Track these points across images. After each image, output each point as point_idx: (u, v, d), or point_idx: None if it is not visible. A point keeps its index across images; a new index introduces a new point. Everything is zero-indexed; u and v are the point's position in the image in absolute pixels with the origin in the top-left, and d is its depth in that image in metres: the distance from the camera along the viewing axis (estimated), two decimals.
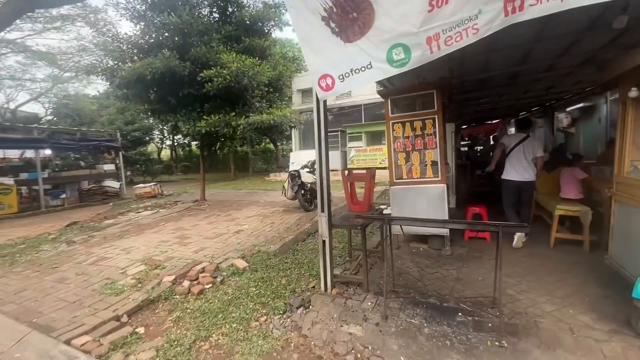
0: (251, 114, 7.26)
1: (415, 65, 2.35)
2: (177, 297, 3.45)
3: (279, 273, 3.95)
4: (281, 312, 3.08)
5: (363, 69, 2.51)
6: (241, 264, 4.12)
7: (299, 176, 6.97)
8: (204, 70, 6.43)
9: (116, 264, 4.35)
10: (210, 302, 3.30)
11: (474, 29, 2.11)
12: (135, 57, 7.22)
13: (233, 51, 6.92)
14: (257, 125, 6.97)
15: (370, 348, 2.44)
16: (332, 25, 2.50)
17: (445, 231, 4.28)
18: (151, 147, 30.73)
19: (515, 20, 2.03)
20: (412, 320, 2.72)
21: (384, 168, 13.95)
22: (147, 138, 26.42)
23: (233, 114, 7.01)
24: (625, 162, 2.60)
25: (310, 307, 3.10)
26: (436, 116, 4.22)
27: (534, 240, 4.49)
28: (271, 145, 25.91)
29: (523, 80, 5.82)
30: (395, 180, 4.55)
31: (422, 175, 4.37)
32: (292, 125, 8.09)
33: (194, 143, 24.13)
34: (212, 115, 6.91)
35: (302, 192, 7.00)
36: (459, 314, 2.78)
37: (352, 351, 2.44)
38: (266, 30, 7.88)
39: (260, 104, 7.65)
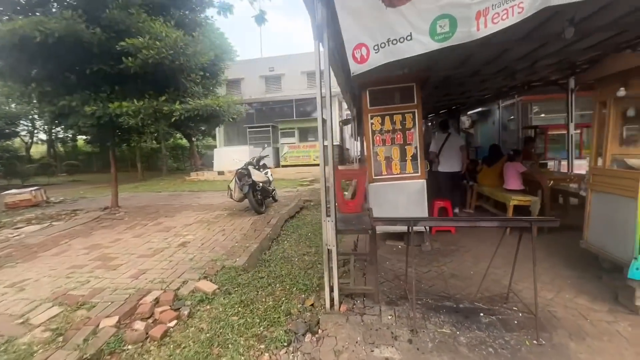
0: (189, 100, 6.05)
1: (458, 41, 2.08)
2: (130, 347, 2.46)
3: (259, 292, 3.25)
4: (285, 343, 2.47)
5: (402, 39, 2.13)
6: (208, 286, 3.26)
7: (249, 174, 6.14)
8: (126, 40, 4.97)
9: (6, 310, 2.95)
10: (184, 347, 2.44)
11: (519, 7, 1.96)
12: (9, 15, 5.19)
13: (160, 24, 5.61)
14: (198, 112, 5.83)
15: None
16: None
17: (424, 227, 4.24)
18: (18, 142, 24.15)
19: (553, 3, 1.93)
20: (443, 330, 2.48)
21: (317, 165, 13.89)
22: (11, 130, 20.61)
23: (163, 98, 5.70)
24: (607, 156, 2.89)
25: (321, 331, 2.57)
26: (416, 110, 4.13)
27: (488, 228, 4.84)
28: (183, 141, 23.08)
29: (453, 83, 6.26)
30: (374, 177, 4.29)
31: (402, 171, 4.23)
32: (235, 117, 7.12)
33: (81, 137, 19.64)
34: (136, 100, 5.47)
35: (253, 192, 6.20)
36: (481, 314, 2.67)
37: None
38: (199, 4, 6.64)
39: (197, 89, 6.46)
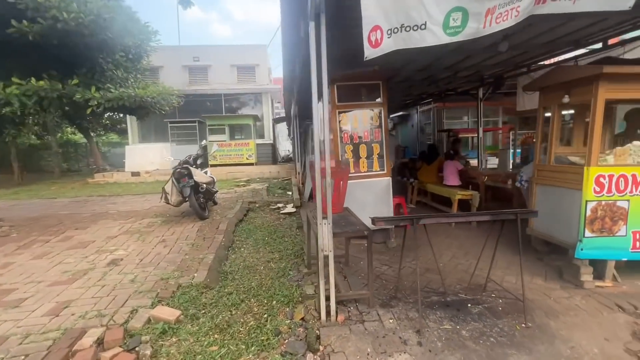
0: (110, 87, 4.89)
1: (465, 37, 2.09)
2: None
3: (233, 312, 2.78)
4: None
5: (416, 27, 2.02)
6: (168, 313, 2.63)
7: (190, 174, 5.33)
8: None
9: None
10: None
11: (516, 11, 2.06)
12: None
13: None
14: (123, 102, 4.76)
15: None
16: None
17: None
18: None
19: (536, 12, 2.10)
20: (445, 326, 2.48)
21: (251, 164, 13.20)
22: None
23: (74, 81, 4.47)
24: (552, 155, 3.34)
25: (323, 347, 2.29)
26: (382, 108, 4.15)
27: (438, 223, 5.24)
28: (76, 136, 19.02)
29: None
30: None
31: (369, 169, 4.20)
32: (167, 109, 6.10)
33: None
34: (33, 80, 4.14)
35: (196, 195, 5.40)
36: (469, 305, 2.77)
37: None
38: None
39: (117, 74, 5.29)
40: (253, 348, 2.31)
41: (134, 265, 3.64)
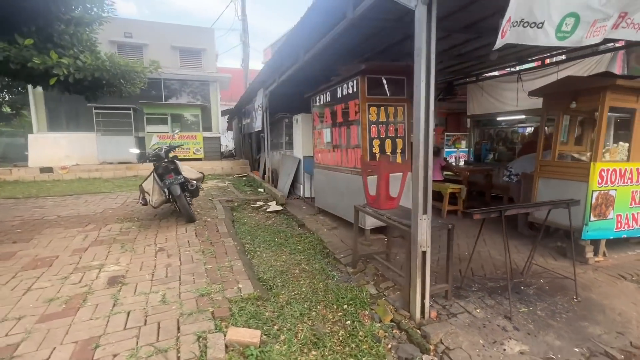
0: (78, 53, 3.74)
1: (570, 44, 2.25)
2: None
3: (309, 323, 2.48)
4: None
5: (533, 25, 2.09)
6: (247, 334, 2.19)
7: (177, 169, 4.50)
8: None
9: None
10: None
11: (604, 29, 2.30)
12: None
13: None
14: (100, 74, 3.70)
15: (556, 357, 2.15)
16: None
17: None
18: None
19: (611, 35, 2.41)
20: (522, 310, 2.66)
21: (199, 159, 11.95)
22: None
23: (27, 41, 3.28)
24: (555, 152, 3.88)
25: (434, 346, 2.23)
26: (406, 104, 4.20)
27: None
28: None
29: None
30: (369, 170, 4.08)
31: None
32: (140, 87, 4.97)
33: None
34: None
35: (184, 193, 4.58)
36: (522, 287, 3.04)
37: None
38: None
39: (67, 39, 4.07)
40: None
41: (148, 282, 2.92)
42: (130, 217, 5.08)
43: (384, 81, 4.10)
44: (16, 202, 6.38)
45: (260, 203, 6.63)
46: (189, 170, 4.85)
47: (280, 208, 6.24)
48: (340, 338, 2.31)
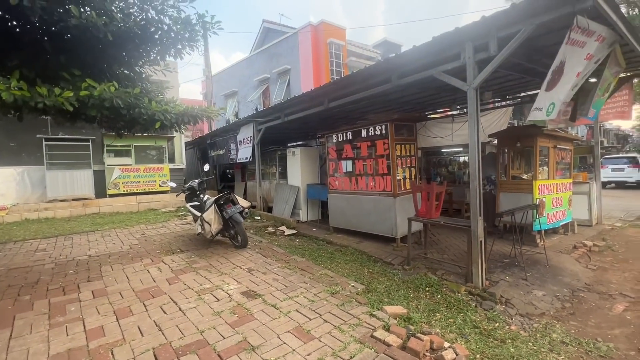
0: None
1: (550, 117, 4.01)
2: None
3: (416, 302, 3.54)
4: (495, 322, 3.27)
5: (540, 108, 3.75)
6: (395, 309, 3.13)
7: (234, 201, 4.98)
8: None
9: None
10: None
11: (563, 114, 4.21)
12: None
13: None
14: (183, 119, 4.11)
15: (561, 293, 3.69)
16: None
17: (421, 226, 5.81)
18: None
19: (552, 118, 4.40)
20: (527, 273, 4.22)
21: (165, 192, 11.52)
22: None
23: (136, 90, 3.59)
24: (509, 174, 5.85)
25: (498, 299, 3.54)
26: (415, 142, 5.73)
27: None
28: None
29: None
30: (397, 192, 5.38)
31: (407, 188, 5.62)
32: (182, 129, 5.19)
33: None
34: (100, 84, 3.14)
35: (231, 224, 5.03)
36: (516, 264, 4.65)
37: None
38: None
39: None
40: (467, 312, 3.27)
41: (277, 291, 3.52)
42: (170, 249, 5.21)
43: (402, 126, 5.57)
44: (18, 246, 5.56)
45: (271, 229, 7.22)
46: (242, 201, 5.32)
47: (294, 231, 6.98)
48: (444, 305, 3.42)
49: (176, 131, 4.97)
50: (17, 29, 3.86)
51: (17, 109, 3.46)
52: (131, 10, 3.82)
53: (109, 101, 3.44)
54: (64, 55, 3.71)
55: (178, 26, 4.00)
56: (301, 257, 4.75)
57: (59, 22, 3.51)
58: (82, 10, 3.51)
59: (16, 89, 3.02)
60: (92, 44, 3.77)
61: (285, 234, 6.84)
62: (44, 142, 9.35)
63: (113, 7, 3.64)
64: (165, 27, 4.00)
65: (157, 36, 4.00)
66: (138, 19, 3.87)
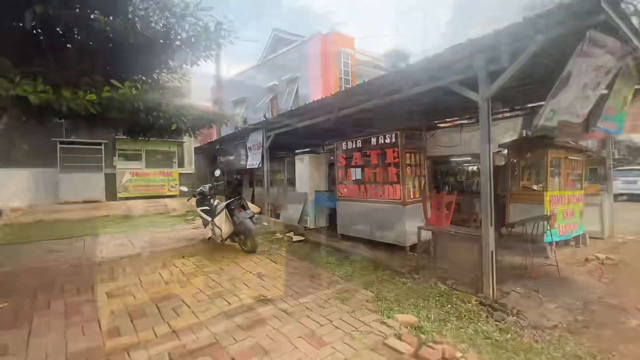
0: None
1: (550, 124, 4.03)
2: None
3: (427, 311, 3.53)
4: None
5: (540, 114, 3.77)
6: (405, 317, 3.13)
7: (245, 206, 5.05)
8: None
9: None
10: None
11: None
12: None
13: None
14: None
15: (573, 306, 3.65)
16: None
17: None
18: None
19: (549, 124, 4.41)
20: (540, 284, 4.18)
21: (173, 196, 11.66)
22: None
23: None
24: (520, 185, 5.82)
25: (510, 310, 3.51)
26: (424, 151, 5.75)
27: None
28: None
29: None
30: (407, 201, 5.39)
31: (416, 196, 5.63)
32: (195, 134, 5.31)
33: None
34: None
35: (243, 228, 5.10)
36: (525, 277, 4.61)
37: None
38: None
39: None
40: (478, 323, 3.25)
41: (292, 295, 3.55)
42: (181, 252, 5.28)
43: (413, 135, 5.60)
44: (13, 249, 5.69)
45: (279, 235, 7.25)
46: (252, 206, 5.39)
47: (302, 238, 7.00)
48: (455, 314, 3.41)
49: (190, 136, 5.10)
50: (41, 37, 4.03)
51: (41, 113, 3.60)
52: (154, 19, 3.96)
53: (130, 102, 3.55)
54: (87, 62, 3.86)
55: (197, 34, 4.14)
56: (310, 264, 4.77)
57: (83, 30, 3.67)
58: (106, 19, 3.66)
59: (41, 92, 3.14)
60: (114, 51, 3.92)
61: (294, 240, 6.87)
62: (58, 145, 9.59)
63: (136, 17, 3.79)
64: (185, 35, 4.14)
65: (176, 43, 4.13)
66: (159, 26, 4.02)
